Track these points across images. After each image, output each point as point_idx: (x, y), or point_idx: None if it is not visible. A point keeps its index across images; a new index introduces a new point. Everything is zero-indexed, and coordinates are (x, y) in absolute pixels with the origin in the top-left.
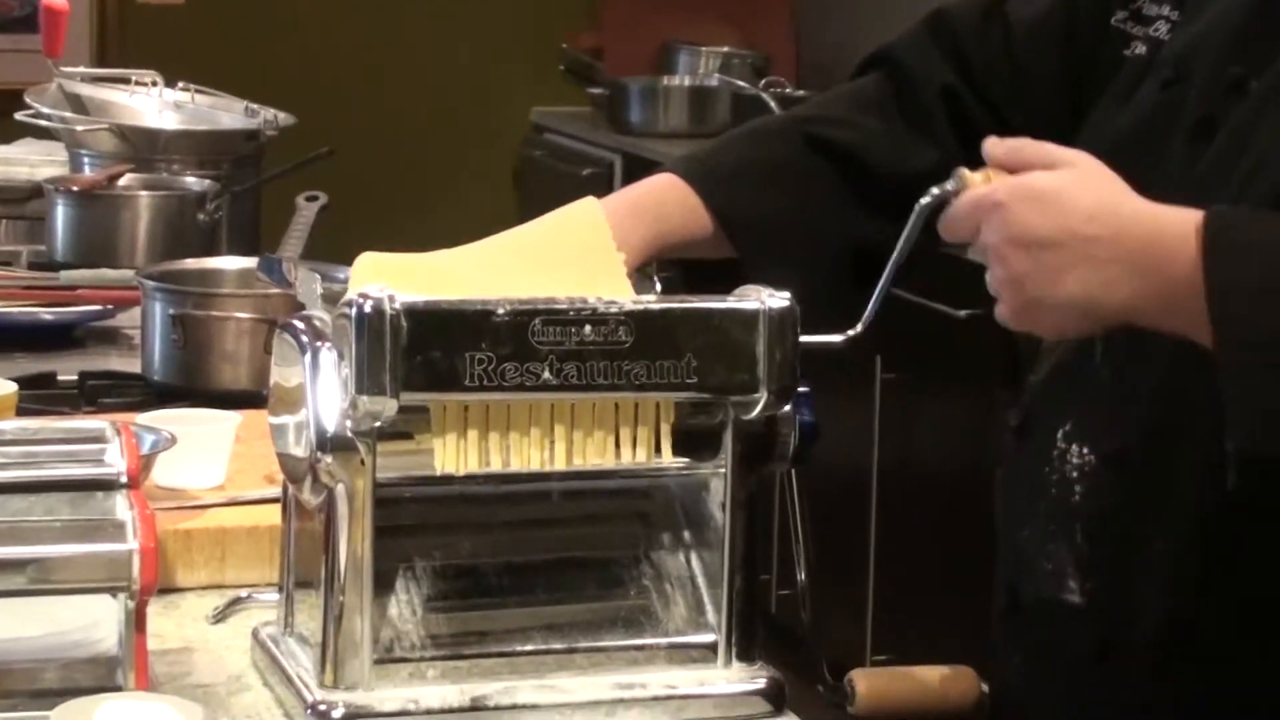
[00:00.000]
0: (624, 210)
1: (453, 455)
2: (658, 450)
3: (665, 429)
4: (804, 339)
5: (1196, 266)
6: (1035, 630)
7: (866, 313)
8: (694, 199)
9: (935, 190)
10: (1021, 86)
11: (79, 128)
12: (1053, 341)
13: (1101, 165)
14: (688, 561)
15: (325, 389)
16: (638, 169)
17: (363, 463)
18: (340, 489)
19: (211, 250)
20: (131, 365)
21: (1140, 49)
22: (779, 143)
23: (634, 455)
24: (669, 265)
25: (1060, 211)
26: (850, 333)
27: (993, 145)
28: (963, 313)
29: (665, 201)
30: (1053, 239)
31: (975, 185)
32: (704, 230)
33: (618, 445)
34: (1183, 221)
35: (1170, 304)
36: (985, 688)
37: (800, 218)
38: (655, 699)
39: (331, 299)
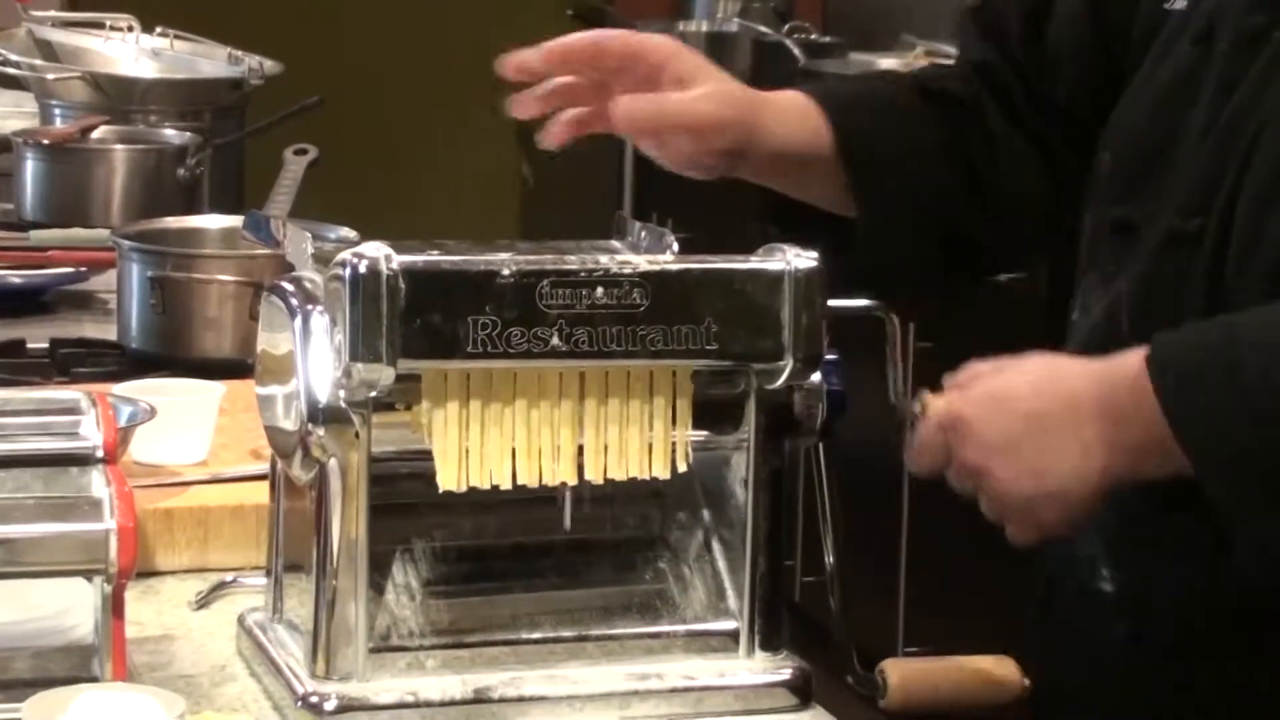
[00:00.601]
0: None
1: (453, 470)
2: (674, 422)
3: (683, 399)
4: (833, 303)
5: (1155, 406)
6: (1070, 619)
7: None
8: (816, 114)
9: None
10: (1054, 62)
11: (49, 76)
12: (1079, 323)
13: (1044, 353)
14: (707, 543)
15: (316, 356)
16: None
17: (357, 436)
18: (333, 464)
19: (192, 208)
20: (107, 332)
21: (1180, 3)
22: (893, 87)
23: (650, 428)
24: (688, 224)
25: (1011, 401)
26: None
27: (949, 379)
28: (1003, 277)
29: (788, 108)
30: (1016, 432)
31: (939, 409)
32: (812, 148)
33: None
34: (1126, 365)
35: (1150, 446)
36: (1027, 680)
37: (913, 154)
38: (672, 690)
39: (323, 259)
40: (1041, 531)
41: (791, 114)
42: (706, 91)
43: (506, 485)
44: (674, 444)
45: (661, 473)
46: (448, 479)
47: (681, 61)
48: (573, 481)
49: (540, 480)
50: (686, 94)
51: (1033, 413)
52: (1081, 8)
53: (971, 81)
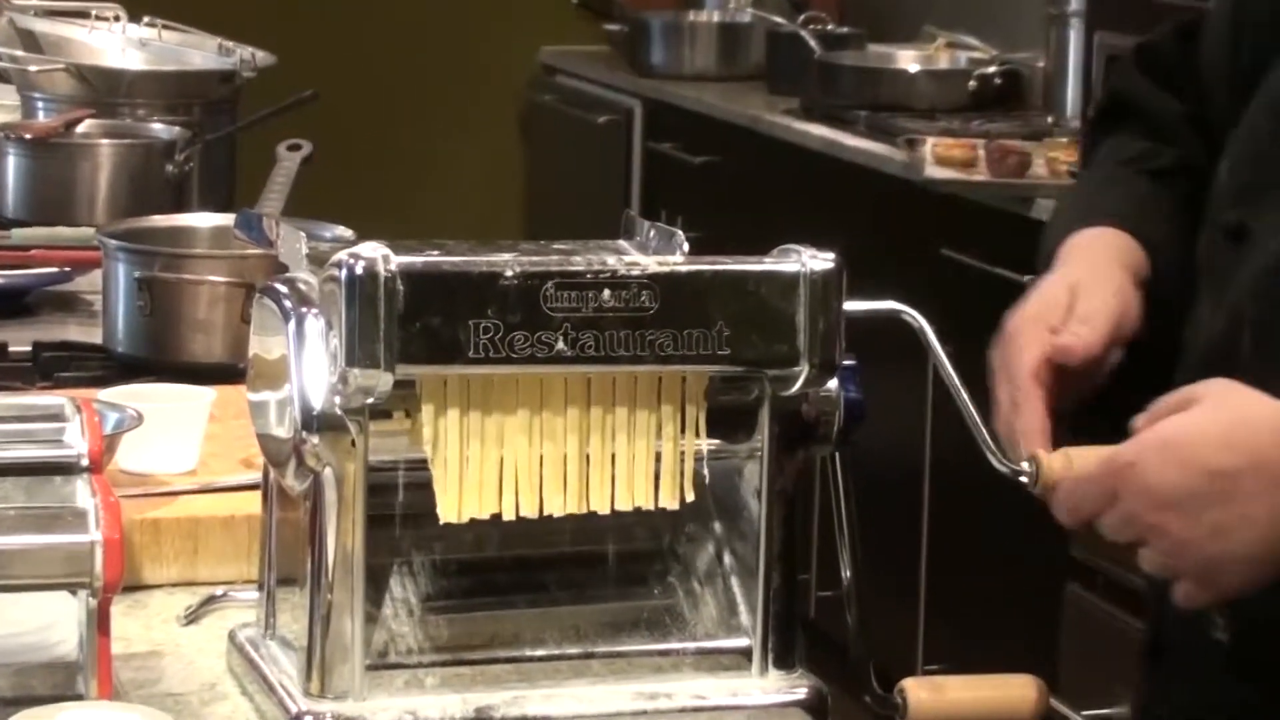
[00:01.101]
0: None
1: (453, 502)
2: (684, 431)
3: (694, 407)
4: (850, 306)
5: None
6: (1182, 669)
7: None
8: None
9: (1013, 474)
10: (1207, 93)
11: (32, 68)
12: (1193, 338)
13: (1230, 382)
14: (719, 556)
15: (311, 361)
16: (660, 116)
17: (353, 444)
18: (328, 473)
19: (181, 206)
20: (92, 335)
21: None
22: (1137, 182)
23: (658, 437)
24: (699, 223)
25: (1194, 453)
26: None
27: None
28: (1027, 278)
29: (1123, 248)
30: (1200, 489)
31: (1053, 471)
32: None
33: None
34: None
35: None
36: (1053, 700)
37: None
38: (682, 710)
39: (318, 260)
40: (1219, 594)
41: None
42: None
43: (509, 516)
44: (683, 455)
45: (669, 501)
46: (448, 509)
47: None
48: (577, 510)
49: (542, 511)
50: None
51: (1220, 471)
52: (1224, 27)
53: (1191, 142)
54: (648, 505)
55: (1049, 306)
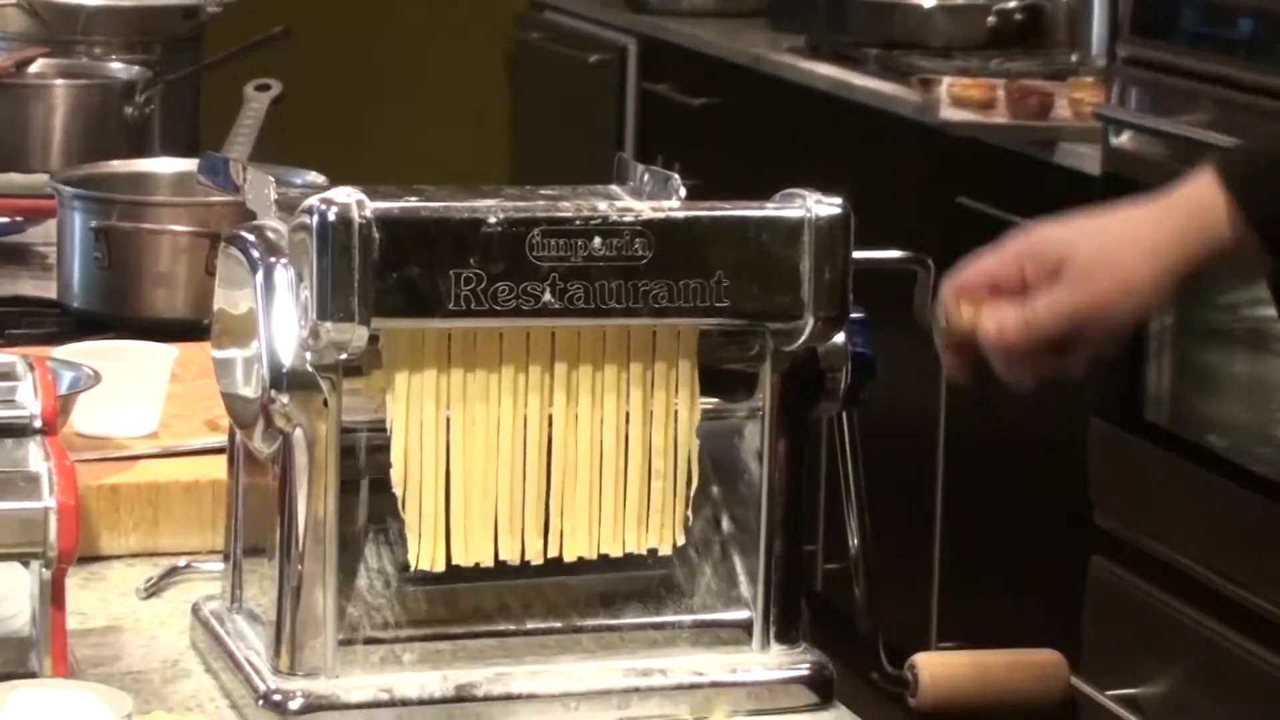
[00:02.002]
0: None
1: (429, 553)
2: (679, 389)
3: (689, 362)
4: (859, 254)
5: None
6: None
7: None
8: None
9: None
10: None
11: None
12: None
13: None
14: (717, 523)
15: (280, 315)
16: (656, 54)
17: (325, 403)
18: (298, 435)
19: (141, 150)
20: (46, 290)
21: None
22: None
23: (652, 395)
24: (696, 170)
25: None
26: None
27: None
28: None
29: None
30: (1088, 225)
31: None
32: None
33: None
34: (1191, 180)
35: (1214, 230)
36: (1075, 679)
37: None
38: (678, 688)
39: (287, 206)
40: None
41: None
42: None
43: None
44: (676, 413)
45: (661, 543)
46: (422, 556)
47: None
48: (564, 474)
49: (525, 475)
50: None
51: (1092, 223)
52: None
53: None
54: (639, 549)
55: (1048, 251)
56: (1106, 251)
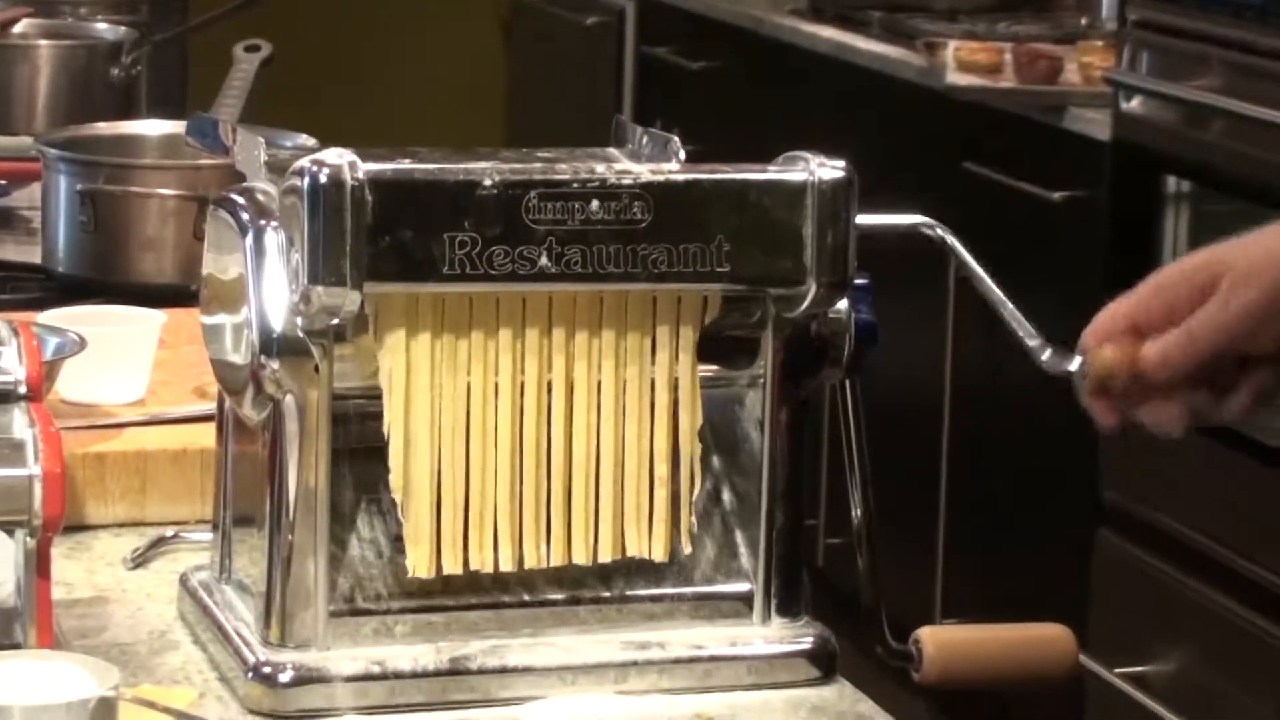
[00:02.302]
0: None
1: (424, 557)
2: (679, 356)
3: (689, 328)
4: (863, 219)
5: None
6: None
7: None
8: None
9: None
10: None
11: None
12: None
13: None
14: (717, 494)
15: (270, 279)
16: (655, 16)
17: (316, 370)
18: (289, 402)
19: (128, 112)
20: (31, 254)
21: None
22: None
23: (651, 362)
24: (697, 135)
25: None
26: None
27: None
28: (1057, 195)
29: None
30: (1221, 249)
31: (1105, 355)
32: None
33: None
34: None
35: None
36: (1083, 656)
37: None
38: (676, 661)
39: (278, 168)
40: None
41: None
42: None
43: (484, 449)
44: (677, 380)
45: (658, 553)
46: (419, 563)
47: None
48: (561, 441)
49: (521, 443)
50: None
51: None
52: None
53: None
54: (640, 442)
55: (1196, 270)
56: (1259, 254)
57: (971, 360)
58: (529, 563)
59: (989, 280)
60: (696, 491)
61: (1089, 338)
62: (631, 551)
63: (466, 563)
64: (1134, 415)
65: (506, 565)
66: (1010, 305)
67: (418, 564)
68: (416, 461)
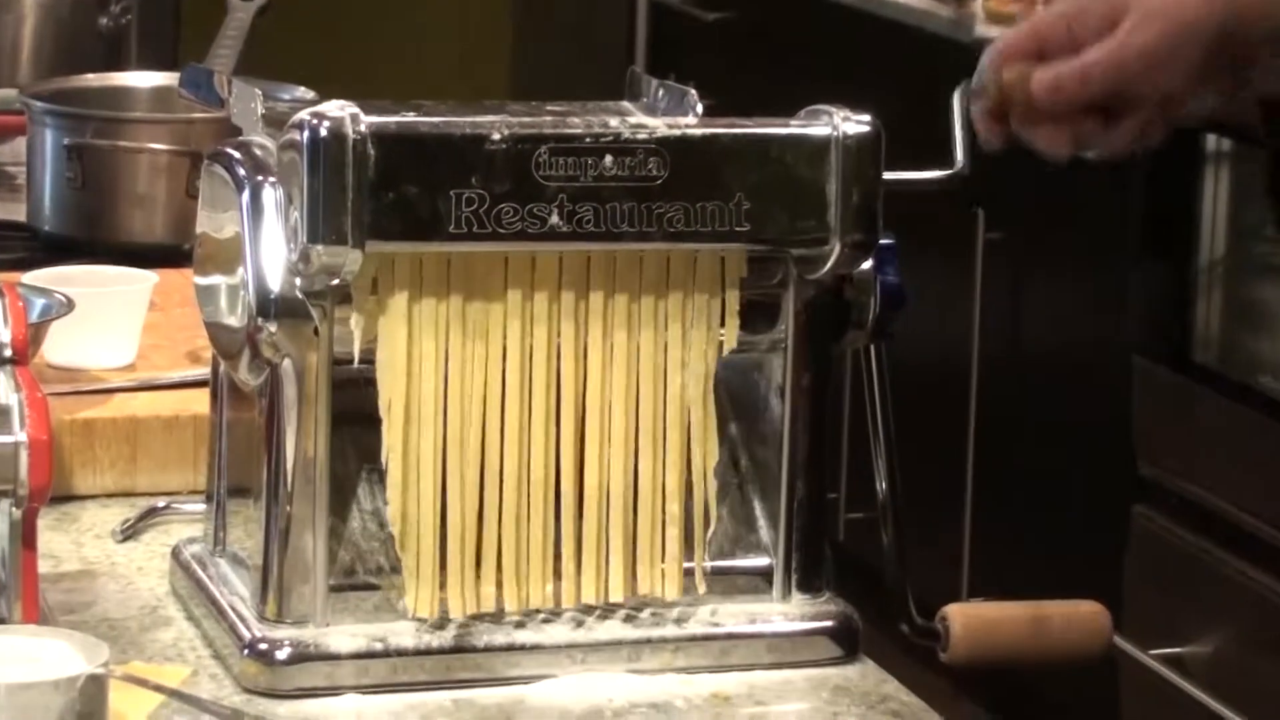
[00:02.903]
0: None
1: (426, 599)
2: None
3: (703, 294)
4: (889, 176)
5: None
6: None
7: (959, 145)
8: None
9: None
10: None
11: None
12: None
13: None
14: (735, 464)
15: (268, 238)
16: None
17: (316, 332)
18: (286, 366)
19: (118, 63)
20: (15, 212)
21: None
22: None
23: (666, 327)
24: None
25: None
26: (952, 170)
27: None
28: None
29: None
30: None
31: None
32: None
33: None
34: None
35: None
36: (1116, 637)
37: None
38: (691, 639)
39: (275, 122)
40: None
41: None
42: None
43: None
44: (691, 448)
45: (672, 590)
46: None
47: None
48: (571, 407)
49: (531, 410)
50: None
51: None
52: None
53: None
54: (655, 410)
55: (1081, 17)
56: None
57: (1002, 326)
58: (538, 407)
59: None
60: (711, 530)
61: (992, 56)
62: (644, 403)
63: (477, 598)
64: (1023, 136)
65: (512, 410)
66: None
67: (419, 604)
68: (420, 393)
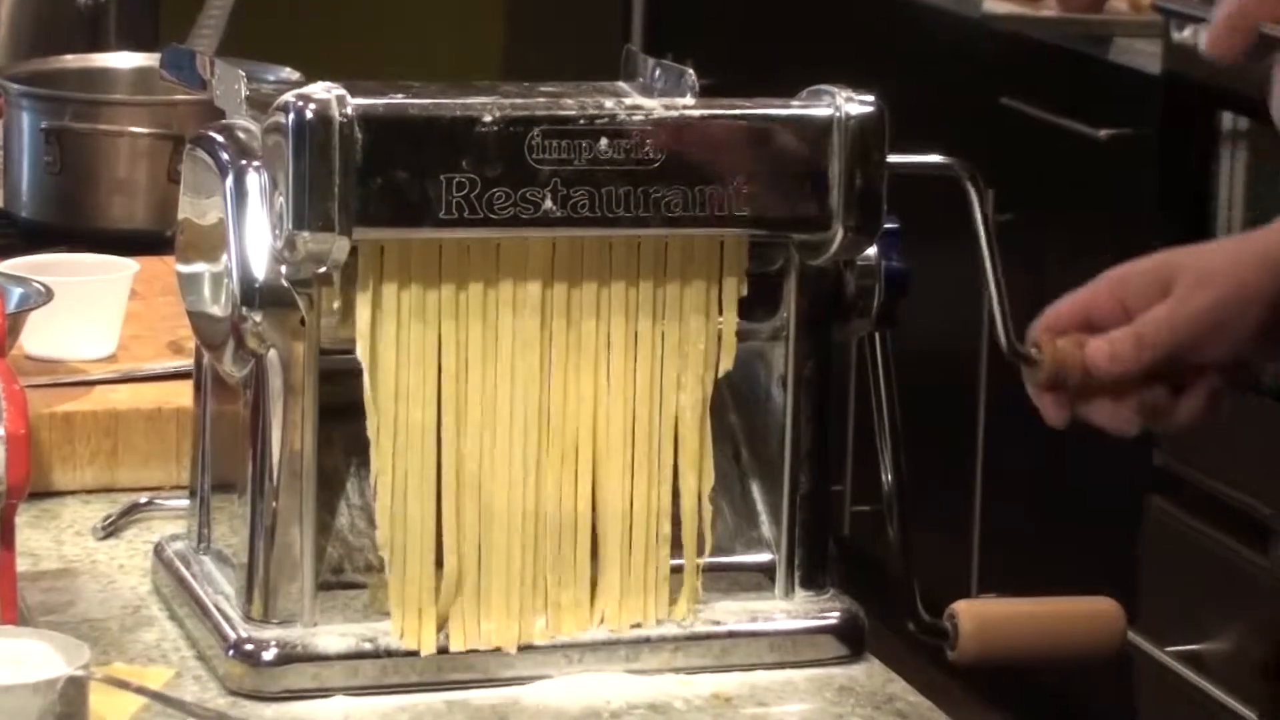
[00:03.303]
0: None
1: (413, 628)
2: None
3: (702, 280)
4: (894, 159)
5: None
6: None
7: None
8: None
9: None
10: None
11: None
12: None
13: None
14: (736, 456)
15: (252, 225)
16: None
17: (302, 322)
18: (272, 357)
19: (96, 44)
20: None
21: None
22: None
23: (663, 316)
24: (712, 69)
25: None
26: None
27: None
28: (1102, 133)
29: None
30: (1177, 253)
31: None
32: None
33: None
34: None
35: None
36: (1131, 633)
37: None
38: (692, 638)
39: (260, 104)
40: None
41: None
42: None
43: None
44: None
45: (679, 616)
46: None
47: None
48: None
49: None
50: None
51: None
52: None
53: None
54: (651, 407)
55: (1151, 272)
56: (1218, 259)
57: (1012, 313)
58: (529, 396)
59: (988, 244)
60: (706, 554)
61: (1040, 330)
62: (639, 399)
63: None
64: (1084, 413)
65: (504, 404)
66: (999, 287)
67: (407, 633)
68: (409, 387)
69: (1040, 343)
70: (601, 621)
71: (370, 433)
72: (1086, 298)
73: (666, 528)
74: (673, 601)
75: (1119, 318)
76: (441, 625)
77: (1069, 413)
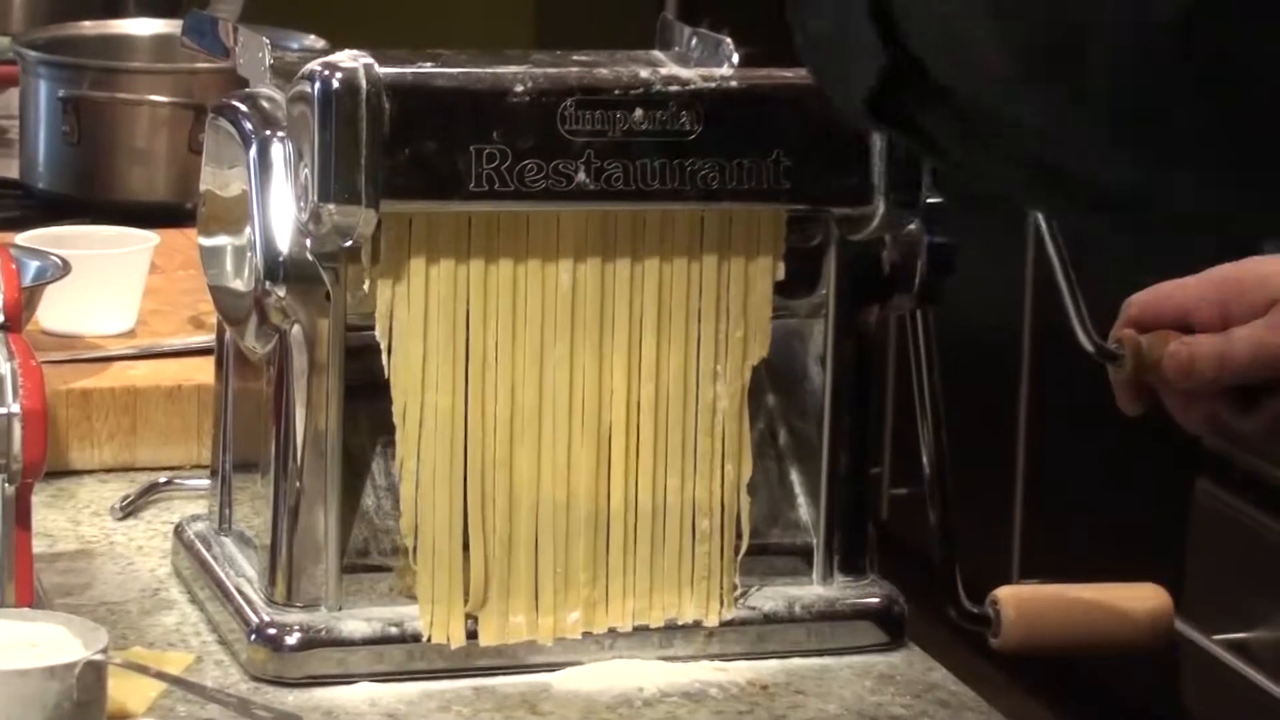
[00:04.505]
0: None
1: (441, 621)
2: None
3: (741, 256)
4: None
5: None
6: None
7: None
8: None
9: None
10: None
11: None
12: None
13: None
14: (773, 438)
15: (277, 196)
16: None
17: (328, 297)
18: (296, 333)
19: (116, 10)
20: (8, 169)
21: None
22: None
23: (700, 292)
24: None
25: None
26: None
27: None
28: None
29: None
30: None
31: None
32: None
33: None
34: None
35: None
36: (1177, 621)
37: None
38: (727, 624)
39: (285, 73)
40: None
41: None
42: None
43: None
44: (724, 467)
45: (713, 617)
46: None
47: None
48: (595, 373)
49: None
50: None
51: None
52: None
53: None
54: (685, 395)
55: (1259, 287)
56: None
57: (1056, 291)
58: (559, 372)
59: (1053, 243)
60: (743, 550)
61: (1127, 324)
62: (673, 374)
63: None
64: (1160, 406)
65: (533, 375)
66: (1070, 280)
67: (436, 627)
68: (438, 362)
69: (1123, 338)
70: (634, 618)
71: (395, 417)
72: (1184, 297)
73: (704, 523)
74: (709, 598)
75: (1215, 322)
76: (470, 617)
77: (1144, 405)
